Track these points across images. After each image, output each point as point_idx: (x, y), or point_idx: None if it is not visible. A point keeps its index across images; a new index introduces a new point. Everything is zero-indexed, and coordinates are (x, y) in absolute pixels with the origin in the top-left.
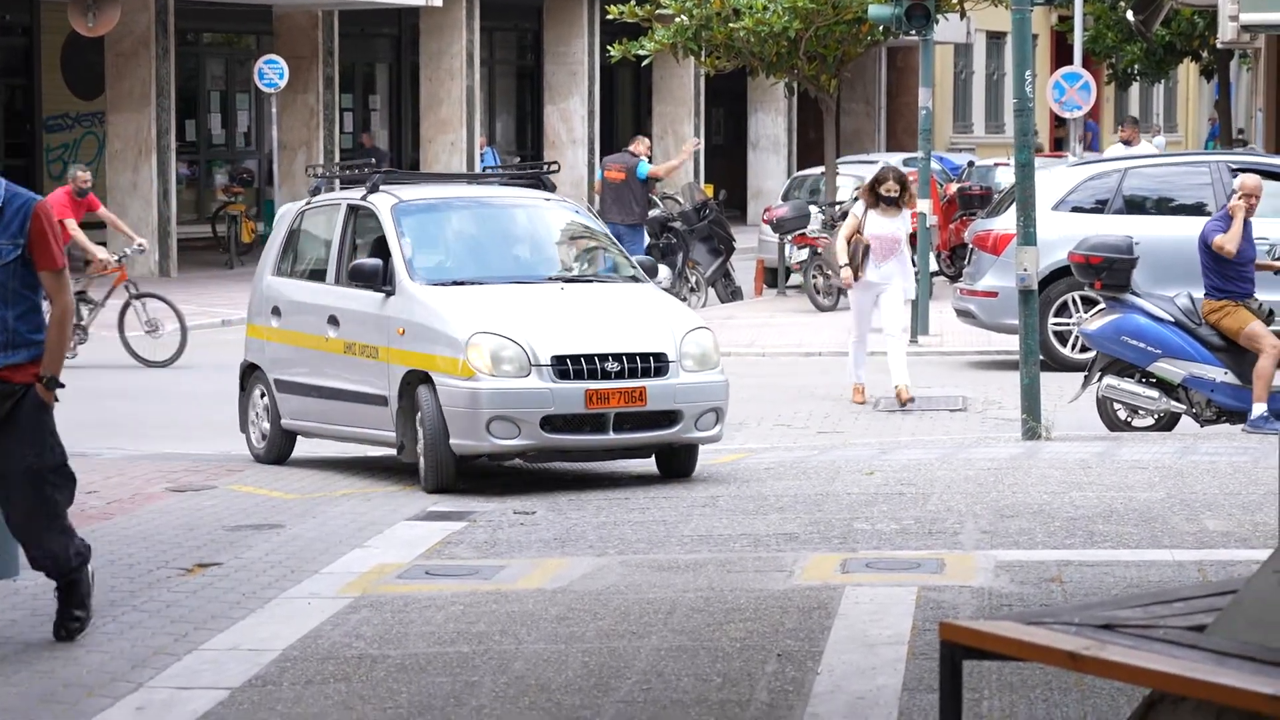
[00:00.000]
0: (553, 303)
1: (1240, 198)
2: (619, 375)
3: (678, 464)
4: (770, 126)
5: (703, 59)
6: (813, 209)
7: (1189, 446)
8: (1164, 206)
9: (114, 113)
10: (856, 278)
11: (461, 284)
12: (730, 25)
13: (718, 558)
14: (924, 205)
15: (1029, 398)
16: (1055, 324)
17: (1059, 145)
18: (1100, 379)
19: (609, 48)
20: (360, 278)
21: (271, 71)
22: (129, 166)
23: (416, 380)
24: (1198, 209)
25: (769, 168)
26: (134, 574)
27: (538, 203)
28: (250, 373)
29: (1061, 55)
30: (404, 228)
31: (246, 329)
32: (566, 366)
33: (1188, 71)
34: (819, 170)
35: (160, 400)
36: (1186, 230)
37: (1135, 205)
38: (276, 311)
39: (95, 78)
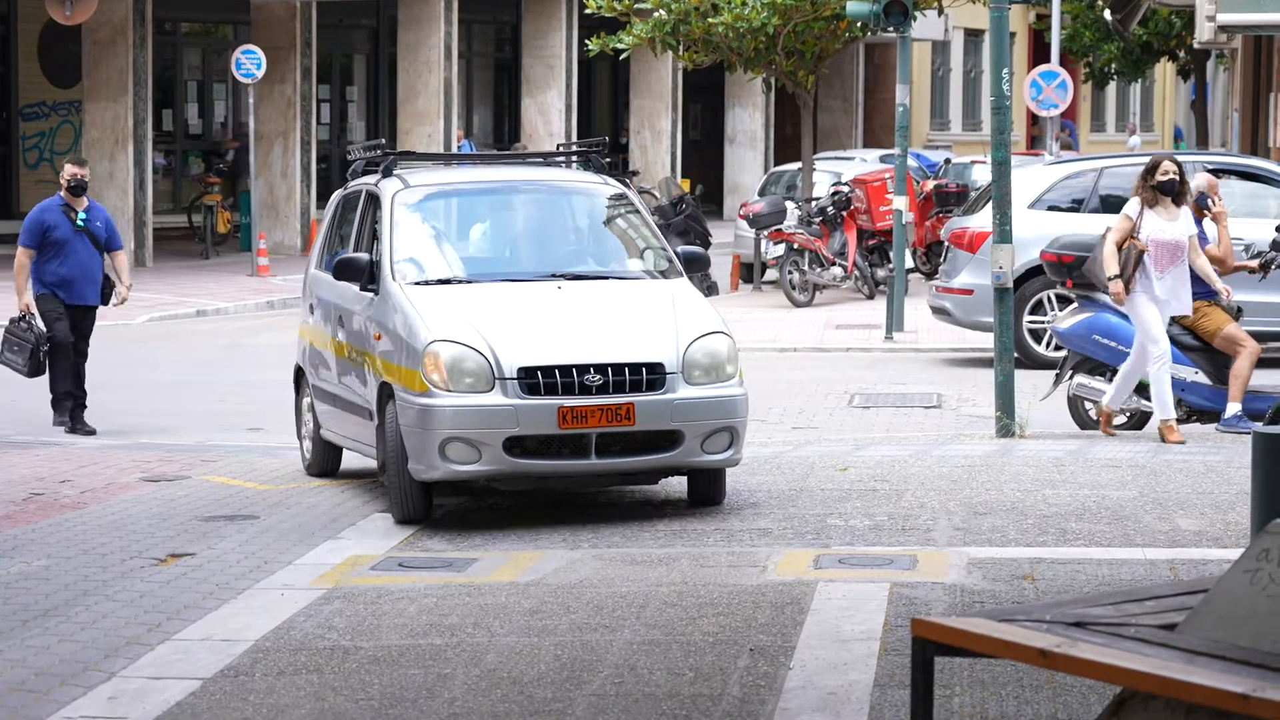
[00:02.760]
0: (542, 304)
1: (1221, 201)
2: (601, 389)
3: (700, 489)
4: (747, 122)
5: (681, 54)
6: (789, 205)
7: (1162, 446)
8: None
9: (91, 101)
10: (1128, 290)
11: (448, 283)
12: (708, 20)
13: (691, 552)
14: (900, 202)
15: (1003, 395)
16: (1030, 322)
17: (1035, 143)
18: (1072, 378)
19: (587, 41)
20: (346, 274)
21: (249, 62)
22: (105, 155)
23: (387, 394)
24: None
25: (746, 163)
26: (107, 564)
27: (573, 187)
28: (300, 376)
29: (1039, 53)
30: (400, 217)
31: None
32: (536, 380)
33: (1165, 71)
34: (796, 166)
35: (134, 390)
36: None
37: (1111, 204)
38: (311, 309)
39: (72, 66)
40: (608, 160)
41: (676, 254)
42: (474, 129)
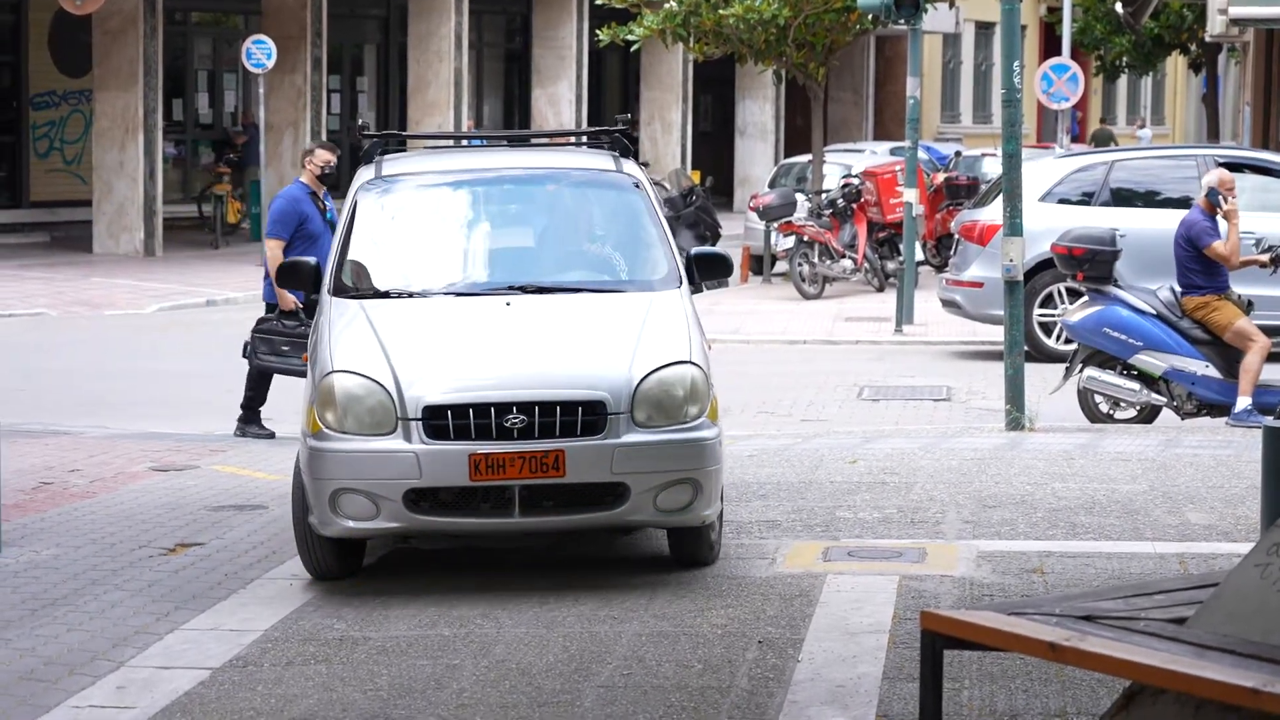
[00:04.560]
0: (480, 326)
1: (1233, 199)
2: (525, 433)
3: (681, 547)
4: (758, 114)
5: (691, 45)
6: (799, 197)
7: (1172, 439)
8: (1150, 199)
9: (101, 91)
10: None
11: (386, 296)
12: (719, 12)
13: None
14: (911, 195)
15: (1013, 388)
16: (1040, 315)
17: (1048, 136)
18: (1082, 371)
19: (597, 32)
20: (289, 281)
21: (259, 51)
22: (115, 145)
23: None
24: (1184, 202)
25: (756, 155)
26: (116, 553)
27: (578, 176)
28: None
29: (1050, 46)
30: (361, 212)
31: None
32: (445, 421)
33: (1176, 65)
34: (806, 158)
35: (143, 380)
36: (1173, 224)
37: (1122, 198)
38: None
39: (83, 55)
40: (634, 146)
41: (693, 257)
42: (484, 120)
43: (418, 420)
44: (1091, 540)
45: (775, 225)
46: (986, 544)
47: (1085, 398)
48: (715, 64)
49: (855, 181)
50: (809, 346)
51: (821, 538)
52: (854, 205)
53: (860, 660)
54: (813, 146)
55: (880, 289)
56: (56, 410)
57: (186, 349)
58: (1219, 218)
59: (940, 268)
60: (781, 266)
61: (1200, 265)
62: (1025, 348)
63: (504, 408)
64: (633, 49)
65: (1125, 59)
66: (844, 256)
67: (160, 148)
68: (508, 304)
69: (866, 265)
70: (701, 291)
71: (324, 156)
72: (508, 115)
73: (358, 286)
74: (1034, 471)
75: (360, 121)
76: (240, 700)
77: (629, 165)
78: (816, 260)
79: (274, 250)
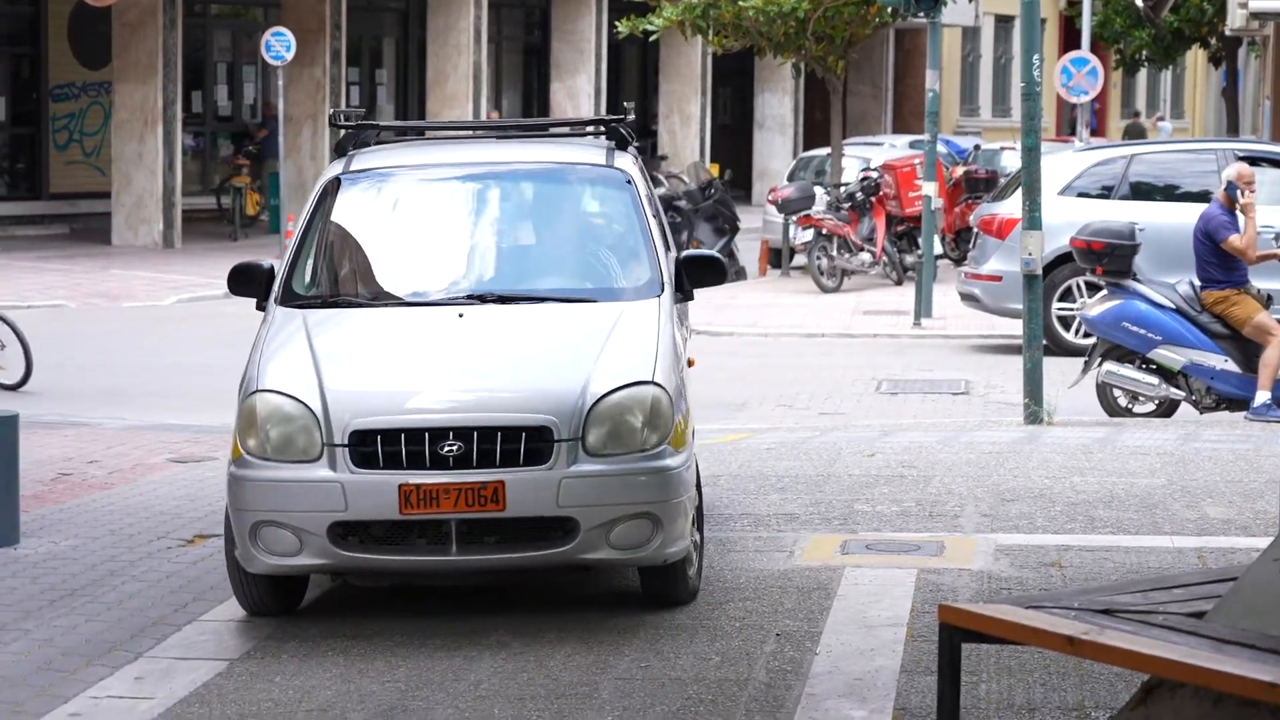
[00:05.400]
0: (427, 340)
1: (1251, 194)
2: (462, 461)
3: (656, 585)
4: (777, 107)
5: (710, 38)
6: (818, 190)
7: (1191, 433)
8: (1170, 193)
9: (120, 83)
10: None
11: (334, 304)
12: (739, 4)
13: (718, 537)
14: (929, 189)
15: (1031, 382)
16: (1059, 309)
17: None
18: (1100, 364)
19: (616, 24)
20: (240, 286)
21: (279, 44)
22: (135, 137)
23: None
24: (1203, 196)
25: (775, 148)
26: (134, 544)
27: (562, 172)
28: None
29: (1069, 40)
30: (321, 211)
31: None
32: (373, 448)
33: (1196, 58)
34: (825, 151)
35: (162, 371)
36: (1192, 217)
37: (1141, 191)
38: None
39: (102, 47)
40: (633, 138)
41: (681, 261)
42: (503, 113)
43: (344, 446)
44: (1110, 534)
45: (794, 218)
46: (1005, 538)
47: (1104, 392)
48: (734, 57)
49: (874, 175)
50: (827, 340)
51: (839, 531)
52: (872, 198)
53: (878, 653)
54: (832, 140)
55: (899, 282)
56: (75, 402)
57: (205, 341)
58: (1237, 212)
59: (959, 261)
60: (800, 260)
61: (1219, 259)
62: (1044, 341)
63: (439, 433)
64: (651, 39)
65: (1145, 53)
66: (862, 250)
67: (179, 140)
68: (460, 315)
69: (885, 259)
70: (691, 299)
71: None
72: (526, 109)
73: (307, 294)
74: (1052, 465)
75: (332, 111)
76: (258, 691)
77: (623, 159)
78: (835, 253)
79: None
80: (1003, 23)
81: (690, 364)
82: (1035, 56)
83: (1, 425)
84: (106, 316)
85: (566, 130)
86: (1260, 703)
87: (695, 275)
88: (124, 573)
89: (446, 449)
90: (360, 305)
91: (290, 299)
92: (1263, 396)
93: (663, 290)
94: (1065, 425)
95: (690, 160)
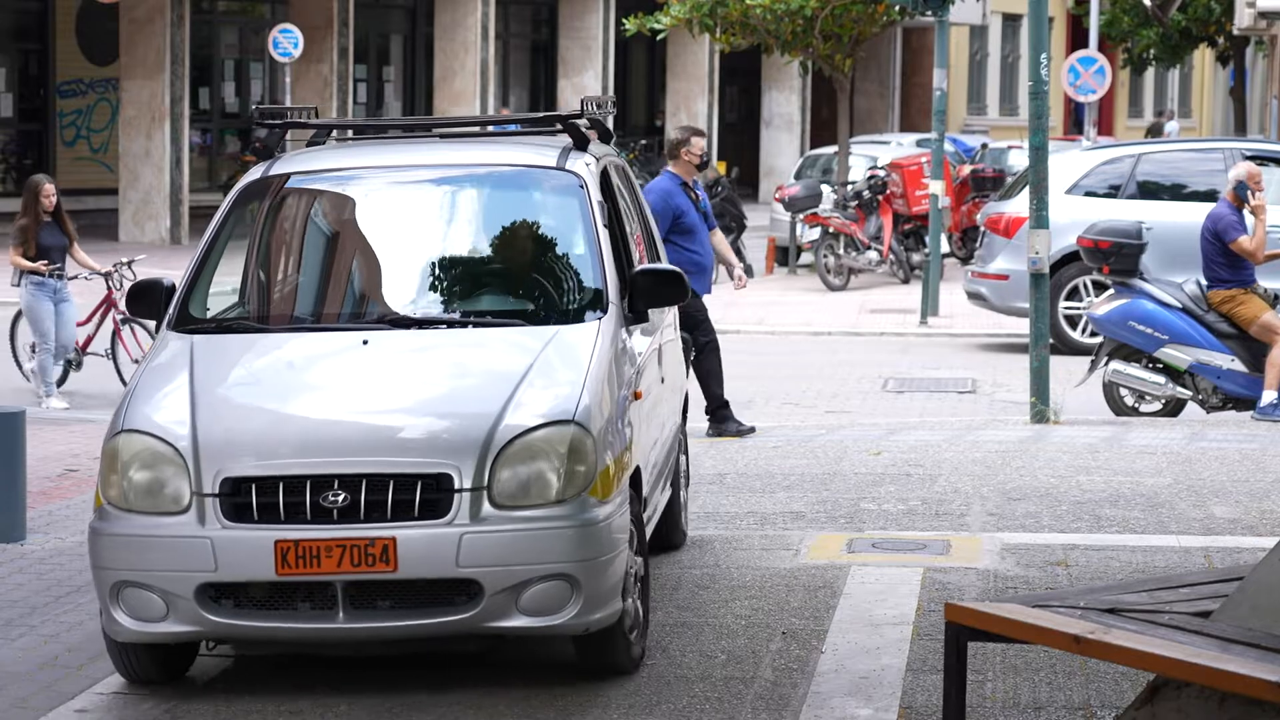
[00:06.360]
0: (323, 371)
1: (1261, 194)
2: (348, 514)
3: (592, 652)
4: (784, 105)
5: (718, 35)
6: (825, 188)
7: (1197, 433)
8: (1177, 192)
9: (128, 79)
10: None
11: (229, 329)
12: (746, 2)
13: (723, 535)
14: (937, 187)
15: (1038, 381)
16: (1066, 308)
17: (1078, 128)
18: (1107, 364)
19: (624, 22)
20: (138, 306)
21: (286, 41)
22: (142, 133)
23: None
24: (1210, 196)
25: (782, 146)
26: None
27: (500, 177)
28: None
29: (1077, 39)
30: (228, 225)
31: None
32: (248, 498)
33: (1203, 57)
34: (832, 150)
35: None
36: (1199, 217)
37: (1149, 190)
38: None
39: (110, 44)
40: (610, 135)
41: (637, 276)
42: (511, 110)
43: (214, 496)
44: (1116, 533)
45: (801, 217)
46: (1011, 536)
47: (1110, 391)
48: (741, 55)
49: (881, 173)
50: (833, 338)
51: (846, 529)
52: (879, 197)
53: (884, 652)
54: (839, 138)
55: (905, 281)
56: (81, 398)
57: None
58: (1245, 211)
59: (966, 260)
60: (807, 258)
61: (1226, 259)
62: (1050, 340)
63: (322, 481)
64: (659, 38)
65: (1152, 52)
66: (869, 248)
67: (186, 136)
68: (365, 342)
69: (892, 257)
70: (644, 320)
71: (700, 144)
72: (534, 106)
73: (202, 317)
74: (1058, 464)
75: (255, 105)
76: (264, 685)
77: (578, 161)
78: (842, 252)
79: None
80: (1010, 21)
81: (637, 397)
82: (1043, 55)
83: (7, 421)
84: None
85: (520, 128)
86: (1265, 702)
87: (650, 292)
88: None
89: (330, 500)
90: (256, 330)
91: (185, 322)
92: (1269, 396)
93: (606, 311)
94: (1072, 424)
95: None
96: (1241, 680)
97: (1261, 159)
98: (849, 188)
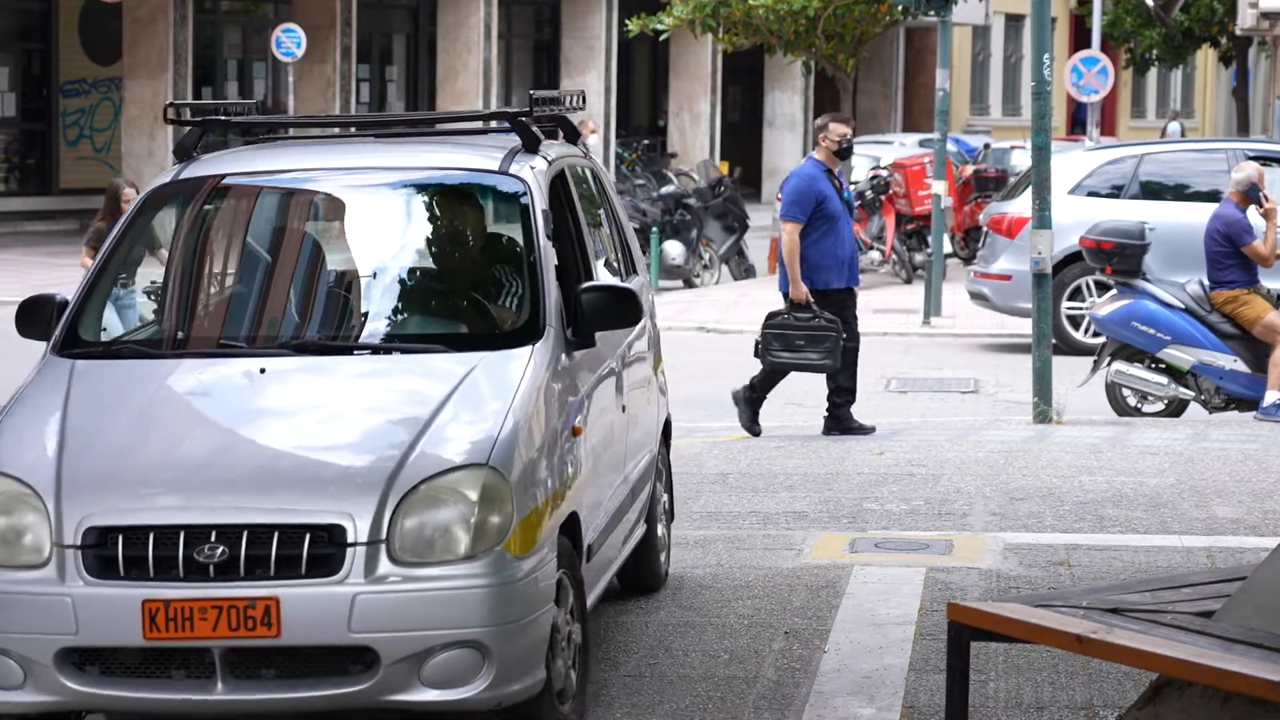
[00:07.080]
0: (207, 405)
1: (1271, 199)
2: (226, 571)
3: None
4: (787, 105)
5: (720, 36)
6: None
7: (1200, 433)
8: (1180, 193)
9: (130, 79)
10: None
11: (114, 354)
12: (749, 3)
13: (726, 535)
14: (939, 187)
15: (1040, 381)
16: (1069, 308)
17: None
18: (1110, 364)
19: (626, 22)
20: (27, 326)
21: (289, 40)
22: (145, 133)
23: None
24: (1214, 196)
25: (784, 146)
26: None
27: (443, 182)
28: None
29: (1080, 39)
30: (130, 236)
31: None
32: (113, 550)
33: (1206, 58)
34: None
35: None
36: (1202, 217)
37: (1152, 191)
38: None
39: (113, 44)
40: (570, 134)
41: (581, 295)
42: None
43: (76, 548)
44: (1118, 533)
45: None
46: (1013, 536)
47: (1113, 391)
48: (744, 55)
49: (883, 173)
50: None
51: (848, 529)
52: (882, 197)
53: (887, 651)
54: None
55: (908, 281)
56: None
57: None
58: (1250, 211)
59: (968, 260)
60: None
61: (1230, 259)
62: (1053, 341)
63: (197, 533)
64: (662, 39)
65: (1155, 52)
66: (872, 248)
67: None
68: (262, 370)
69: (894, 257)
70: (590, 345)
71: (840, 130)
72: None
73: (94, 340)
74: (1061, 464)
75: (169, 103)
76: None
77: (523, 165)
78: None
79: (791, 234)
80: (1013, 21)
81: (576, 432)
82: (1045, 55)
83: None
84: None
85: (464, 126)
86: (1269, 702)
87: (597, 313)
88: None
89: (206, 554)
90: (142, 355)
91: (71, 345)
92: (1272, 396)
93: (542, 334)
94: (1074, 424)
95: (700, 158)
96: (1244, 680)
97: (1265, 159)
98: (851, 188)
